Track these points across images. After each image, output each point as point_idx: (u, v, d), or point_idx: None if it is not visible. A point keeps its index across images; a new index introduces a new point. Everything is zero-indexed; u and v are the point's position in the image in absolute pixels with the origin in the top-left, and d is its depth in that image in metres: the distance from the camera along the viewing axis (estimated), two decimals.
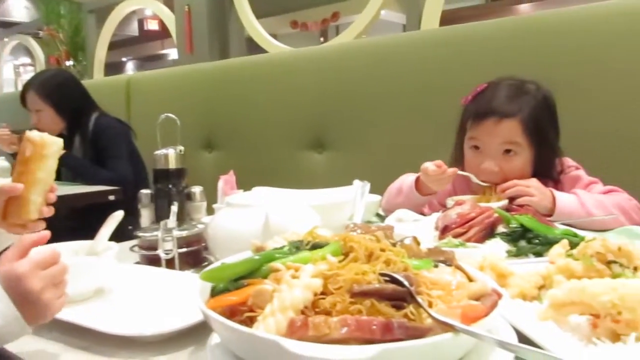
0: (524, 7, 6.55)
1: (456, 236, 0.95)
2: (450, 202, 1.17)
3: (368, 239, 0.60)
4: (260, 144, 2.34)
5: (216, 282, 0.58)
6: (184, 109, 2.27)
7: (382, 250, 0.58)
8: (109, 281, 0.84)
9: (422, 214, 1.31)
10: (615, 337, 0.55)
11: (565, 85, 1.46)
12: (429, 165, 1.29)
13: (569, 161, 1.35)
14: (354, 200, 1.06)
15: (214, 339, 0.58)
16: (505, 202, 1.17)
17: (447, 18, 2.43)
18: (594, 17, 1.55)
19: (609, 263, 0.67)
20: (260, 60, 2.49)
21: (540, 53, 1.61)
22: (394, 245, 0.62)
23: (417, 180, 1.37)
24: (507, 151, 1.28)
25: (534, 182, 1.22)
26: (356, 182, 1.11)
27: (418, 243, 0.67)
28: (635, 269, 0.66)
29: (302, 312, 0.50)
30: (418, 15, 2.45)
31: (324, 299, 0.51)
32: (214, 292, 0.57)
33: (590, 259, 0.67)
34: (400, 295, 0.51)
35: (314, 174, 2.15)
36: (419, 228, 1.04)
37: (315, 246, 0.60)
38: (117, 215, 0.86)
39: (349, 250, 0.58)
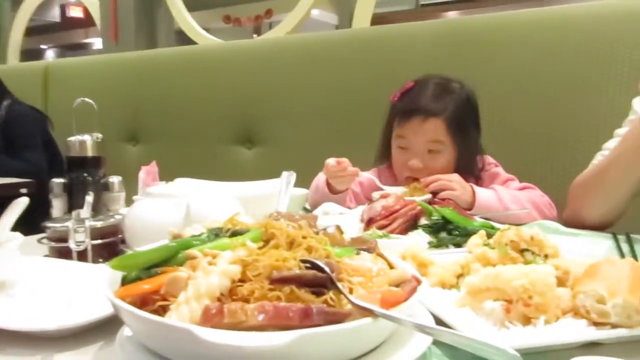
0: (452, 14, 6.82)
1: (380, 228, 0.96)
2: (376, 195, 1.18)
3: (290, 227, 0.58)
4: (188, 138, 2.27)
5: (127, 271, 0.54)
6: (108, 100, 2.16)
7: (304, 237, 0.57)
8: (12, 274, 0.77)
9: (349, 208, 1.31)
10: (527, 320, 0.58)
11: (486, 86, 1.53)
12: (330, 161, 1.29)
13: (489, 159, 1.41)
14: (279, 192, 1.04)
15: (125, 331, 0.55)
16: (428, 196, 1.20)
17: (378, 21, 2.47)
18: (514, 23, 1.63)
19: (522, 251, 0.69)
20: (189, 52, 2.42)
21: (464, 54, 1.67)
22: (316, 233, 0.61)
23: None
24: (432, 149, 1.32)
25: (455, 177, 1.26)
26: (283, 173, 1.09)
27: (341, 232, 0.67)
28: (545, 256, 0.69)
29: (219, 300, 0.48)
30: (349, 16, 2.48)
31: (242, 286, 0.49)
32: (125, 282, 0.54)
33: (505, 247, 0.69)
34: (320, 282, 0.50)
35: (242, 169, 2.11)
36: (344, 220, 1.05)
37: (236, 233, 0.58)
38: (22, 202, 0.79)
39: (270, 237, 0.56)
